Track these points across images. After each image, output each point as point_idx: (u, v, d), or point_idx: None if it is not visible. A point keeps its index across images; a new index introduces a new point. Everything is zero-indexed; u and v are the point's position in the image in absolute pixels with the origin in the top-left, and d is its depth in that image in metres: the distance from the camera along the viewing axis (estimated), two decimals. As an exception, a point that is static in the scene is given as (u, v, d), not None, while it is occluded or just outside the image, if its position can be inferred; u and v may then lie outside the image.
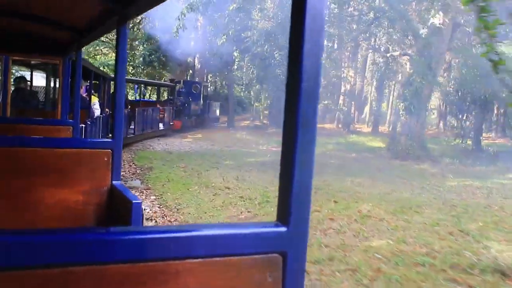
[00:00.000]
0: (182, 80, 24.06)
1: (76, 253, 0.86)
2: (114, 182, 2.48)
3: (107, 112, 11.61)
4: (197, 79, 26.08)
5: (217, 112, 27.65)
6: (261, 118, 31.35)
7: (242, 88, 32.58)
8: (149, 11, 2.28)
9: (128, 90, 20.57)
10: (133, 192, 2.51)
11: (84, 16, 3.06)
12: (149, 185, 9.03)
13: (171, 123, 20.35)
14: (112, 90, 13.23)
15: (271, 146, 18.31)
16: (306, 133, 1.00)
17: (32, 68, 10.32)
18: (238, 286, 0.99)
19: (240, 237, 1.00)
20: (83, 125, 7.19)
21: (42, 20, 3.53)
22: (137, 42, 26.44)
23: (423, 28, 17.75)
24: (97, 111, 9.14)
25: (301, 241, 1.03)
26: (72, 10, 3.04)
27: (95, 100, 9.23)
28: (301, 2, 0.97)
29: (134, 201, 2.09)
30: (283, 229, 1.02)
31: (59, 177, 2.45)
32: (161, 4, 1.94)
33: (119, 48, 2.40)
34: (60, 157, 2.45)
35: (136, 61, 25.83)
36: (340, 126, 29.85)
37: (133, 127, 15.34)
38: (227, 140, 19.93)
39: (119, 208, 2.33)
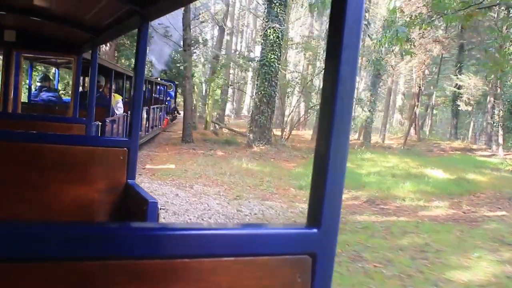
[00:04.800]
0: (158, 78, 23.18)
1: (114, 247, 0.88)
2: (129, 181, 2.47)
3: None
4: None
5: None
6: (216, 127, 23.16)
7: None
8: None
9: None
10: None
11: (104, 16, 3.06)
12: None
13: (163, 121, 20.03)
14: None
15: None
16: (340, 136, 1.01)
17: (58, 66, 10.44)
18: (268, 285, 1.00)
19: (272, 237, 1.02)
20: (99, 123, 7.19)
21: (60, 20, 3.55)
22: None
23: None
24: (120, 110, 9.15)
25: (330, 243, 1.04)
26: (92, 11, 3.05)
27: (118, 99, 9.25)
28: (341, 9, 0.97)
29: (150, 201, 2.07)
30: (314, 230, 1.03)
31: (73, 174, 2.45)
32: (182, 7, 1.91)
33: (139, 47, 2.39)
34: (75, 154, 2.46)
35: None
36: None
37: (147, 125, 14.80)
38: (231, 175, 10.33)
39: (134, 207, 2.31)
